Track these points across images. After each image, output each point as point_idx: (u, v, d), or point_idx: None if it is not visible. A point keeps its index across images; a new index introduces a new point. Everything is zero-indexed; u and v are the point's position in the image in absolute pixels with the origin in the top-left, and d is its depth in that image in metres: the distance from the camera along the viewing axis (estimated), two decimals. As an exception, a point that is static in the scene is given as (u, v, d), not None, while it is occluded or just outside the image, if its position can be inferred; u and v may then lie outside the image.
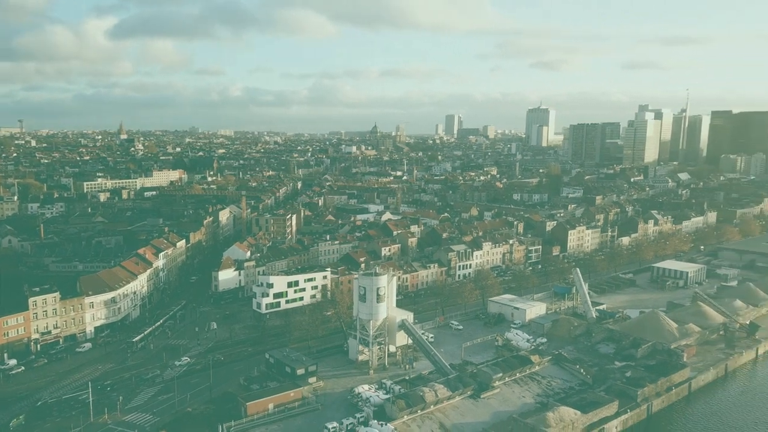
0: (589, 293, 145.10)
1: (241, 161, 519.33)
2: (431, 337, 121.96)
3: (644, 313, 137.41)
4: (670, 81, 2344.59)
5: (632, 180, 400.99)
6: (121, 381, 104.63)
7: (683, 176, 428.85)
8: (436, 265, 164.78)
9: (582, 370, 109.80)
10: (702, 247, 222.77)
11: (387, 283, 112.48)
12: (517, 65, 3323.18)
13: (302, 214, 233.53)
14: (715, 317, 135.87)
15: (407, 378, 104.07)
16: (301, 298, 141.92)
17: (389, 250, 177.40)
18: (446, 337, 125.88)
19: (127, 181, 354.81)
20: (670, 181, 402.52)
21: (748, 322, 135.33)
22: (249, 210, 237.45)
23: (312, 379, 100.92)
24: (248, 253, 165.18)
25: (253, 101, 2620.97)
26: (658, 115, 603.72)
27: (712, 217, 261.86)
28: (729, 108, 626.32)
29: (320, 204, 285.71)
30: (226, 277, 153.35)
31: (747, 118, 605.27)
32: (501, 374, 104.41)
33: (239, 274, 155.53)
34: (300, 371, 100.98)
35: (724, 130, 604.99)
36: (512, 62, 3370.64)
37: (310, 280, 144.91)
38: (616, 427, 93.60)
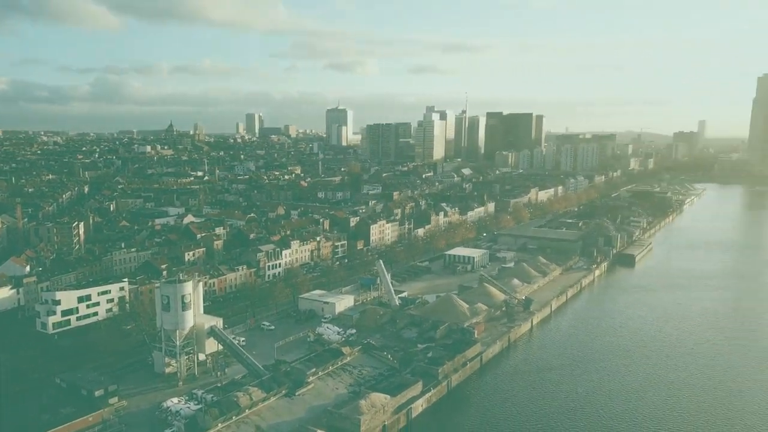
0: (392, 283, 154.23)
1: (14, 164, 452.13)
2: (243, 341, 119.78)
3: (440, 297, 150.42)
4: (452, 84, 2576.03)
5: (424, 176, 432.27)
6: None
7: (466, 171, 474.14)
8: (245, 266, 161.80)
9: (389, 356, 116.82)
10: (484, 234, 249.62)
11: (192, 290, 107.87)
12: (314, 66, 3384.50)
13: (91, 220, 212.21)
14: (498, 296, 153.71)
15: (220, 385, 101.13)
16: (96, 314, 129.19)
17: (193, 255, 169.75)
18: (259, 339, 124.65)
19: None
20: (455, 176, 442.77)
21: (524, 298, 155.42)
22: (26, 219, 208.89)
23: (113, 400, 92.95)
24: (27, 268, 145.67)
25: (24, 97, 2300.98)
26: (443, 116, 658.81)
27: (491, 207, 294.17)
28: (501, 110, 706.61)
29: (112, 209, 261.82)
30: (0, 297, 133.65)
31: (515, 119, 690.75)
32: (314, 369, 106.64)
33: (17, 293, 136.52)
34: (98, 392, 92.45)
35: (498, 129, 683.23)
36: (308, 63, 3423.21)
37: (104, 293, 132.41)
38: (421, 405, 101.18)
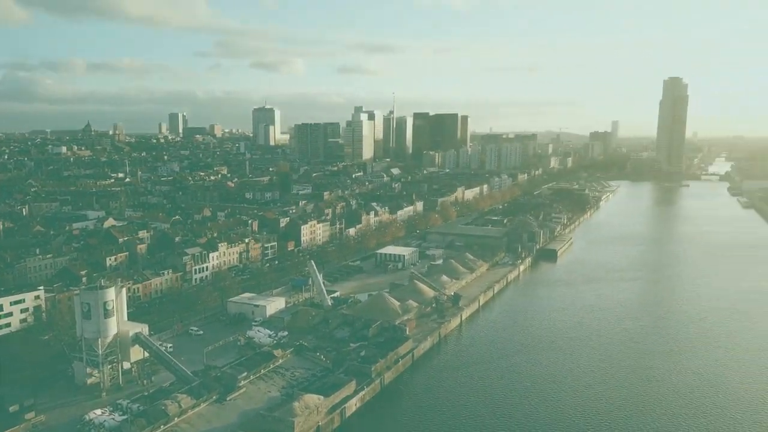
0: (324, 283, 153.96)
1: None
2: (170, 347, 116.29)
3: (372, 296, 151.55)
4: (378, 85, 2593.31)
5: (354, 176, 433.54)
6: None
7: (395, 171, 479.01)
8: (171, 271, 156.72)
9: (322, 357, 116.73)
10: (417, 231, 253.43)
11: (115, 296, 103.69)
12: (238, 65, 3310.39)
13: (1, 225, 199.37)
14: (428, 292, 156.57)
15: (146, 394, 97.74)
16: (8, 325, 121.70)
17: (115, 260, 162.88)
18: (187, 345, 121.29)
19: None
20: (385, 175, 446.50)
21: (453, 294, 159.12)
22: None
23: (30, 415, 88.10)
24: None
25: None
26: (371, 116, 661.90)
27: (420, 206, 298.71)
28: (427, 110, 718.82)
29: (25, 213, 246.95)
30: None
31: (441, 119, 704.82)
32: (246, 373, 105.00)
33: None
34: (12, 408, 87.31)
35: (424, 129, 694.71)
36: (233, 61, 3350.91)
37: (17, 302, 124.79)
38: (355, 404, 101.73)
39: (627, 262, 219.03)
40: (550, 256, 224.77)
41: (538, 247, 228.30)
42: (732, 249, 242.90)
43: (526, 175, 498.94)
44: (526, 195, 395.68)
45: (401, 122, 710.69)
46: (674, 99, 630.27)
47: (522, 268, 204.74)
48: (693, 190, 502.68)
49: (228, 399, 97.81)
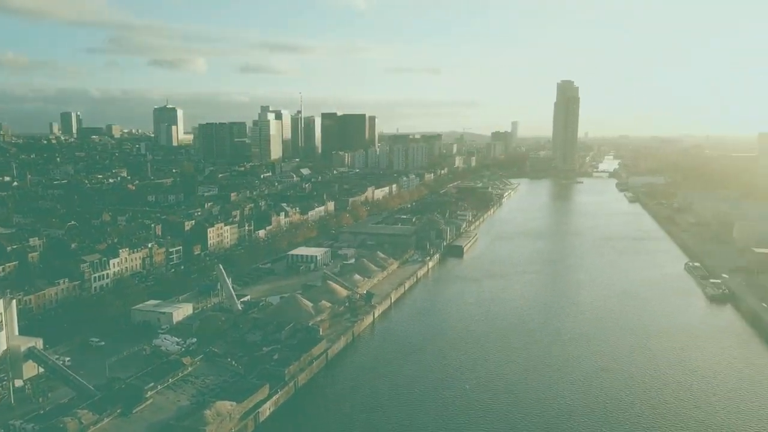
0: (233, 287, 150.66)
1: None
2: (68, 361, 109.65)
3: (284, 298, 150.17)
4: (284, 84, 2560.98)
5: (262, 176, 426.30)
6: None
7: (305, 171, 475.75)
8: (67, 279, 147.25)
9: (233, 362, 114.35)
10: (334, 230, 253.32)
11: (4, 309, 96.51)
12: (135, 62, 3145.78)
13: None
14: (341, 292, 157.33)
15: (42, 412, 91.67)
16: None
17: (2, 270, 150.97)
18: (87, 357, 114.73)
19: None
20: (294, 176, 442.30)
21: (365, 292, 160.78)
22: None
23: None
24: None
25: None
26: (279, 116, 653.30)
27: (331, 206, 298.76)
28: (335, 110, 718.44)
29: None
30: None
31: (349, 120, 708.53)
32: (153, 384, 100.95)
33: None
34: None
35: (333, 129, 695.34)
36: (129, 59, 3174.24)
37: None
38: (269, 409, 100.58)
39: (528, 256, 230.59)
40: (457, 252, 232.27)
41: (445, 243, 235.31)
42: (621, 240, 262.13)
43: (432, 174, 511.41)
44: (433, 194, 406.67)
45: (309, 122, 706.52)
46: (567, 101, 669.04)
47: (431, 264, 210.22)
48: (586, 186, 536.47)
49: (134, 411, 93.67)
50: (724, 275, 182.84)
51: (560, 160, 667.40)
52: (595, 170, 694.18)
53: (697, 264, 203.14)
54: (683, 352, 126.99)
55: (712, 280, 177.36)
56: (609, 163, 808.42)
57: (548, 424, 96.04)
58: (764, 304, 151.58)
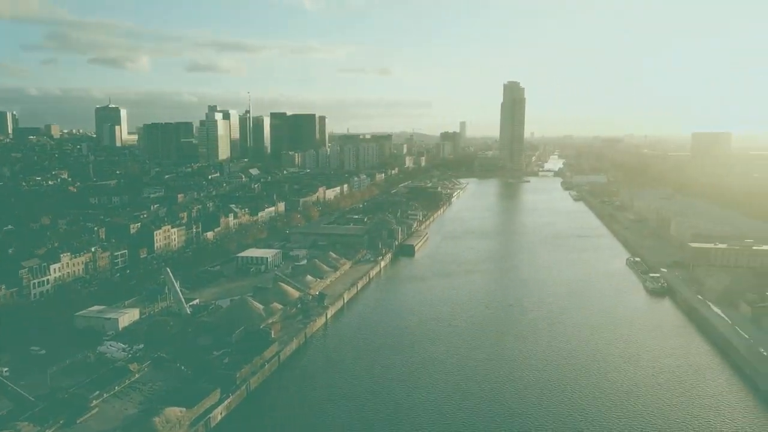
0: (181, 290, 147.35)
1: None
2: (6, 371, 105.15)
3: (234, 301, 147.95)
4: (232, 84, 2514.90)
5: (210, 177, 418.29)
6: None
7: (254, 171, 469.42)
8: (4, 286, 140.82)
9: (183, 367, 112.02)
10: (288, 231, 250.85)
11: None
12: (76, 60, 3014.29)
13: None
14: (293, 294, 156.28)
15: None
16: None
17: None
18: (27, 367, 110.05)
19: None
20: (243, 176, 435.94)
21: (317, 293, 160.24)
22: None
23: None
24: None
25: None
26: (226, 116, 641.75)
27: (281, 206, 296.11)
28: (284, 110, 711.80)
29: None
30: None
31: (299, 120, 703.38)
32: (98, 392, 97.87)
33: None
34: None
35: (282, 129, 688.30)
36: (69, 56, 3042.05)
37: None
38: (221, 413, 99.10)
39: (477, 254, 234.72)
40: (409, 251, 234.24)
41: (397, 243, 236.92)
42: (566, 238, 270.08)
43: (383, 174, 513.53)
44: (384, 194, 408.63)
45: (258, 122, 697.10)
46: (513, 101, 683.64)
47: (383, 264, 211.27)
48: (532, 185, 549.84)
49: (78, 422, 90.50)
50: (662, 269, 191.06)
51: (507, 159, 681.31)
52: (541, 169, 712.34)
53: (637, 259, 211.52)
54: (626, 345, 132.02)
55: (651, 275, 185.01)
56: (554, 163, 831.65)
57: (501, 418, 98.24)
58: (699, 297, 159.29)
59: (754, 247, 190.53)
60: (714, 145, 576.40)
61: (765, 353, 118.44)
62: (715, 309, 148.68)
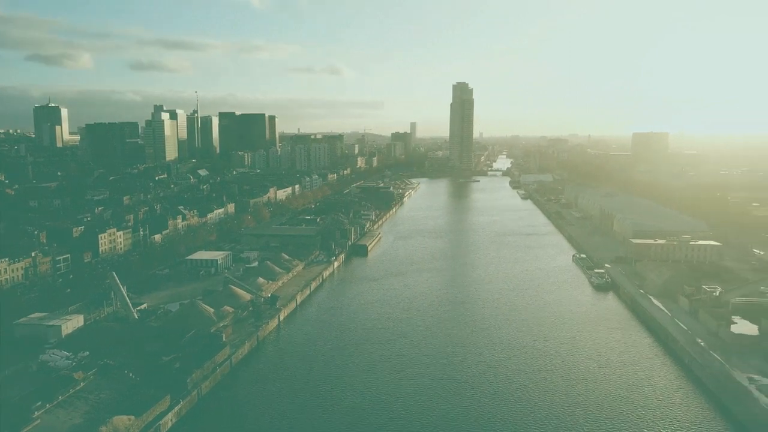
0: (128, 295, 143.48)
1: None
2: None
3: (184, 305, 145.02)
4: (179, 83, 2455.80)
5: (157, 178, 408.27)
6: None
7: (202, 172, 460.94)
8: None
9: (131, 374, 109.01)
10: (240, 231, 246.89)
11: None
12: (11, 57, 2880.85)
13: None
14: (244, 296, 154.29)
15: None
16: None
17: None
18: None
19: None
20: (191, 177, 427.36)
21: (269, 295, 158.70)
22: None
23: None
24: None
25: None
26: (173, 116, 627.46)
27: (231, 207, 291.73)
28: (233, 110, 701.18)
29: None
30: None
31: (248, 119, 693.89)
32: (40, 403, 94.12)
33: None
34: None
35: (231, 129, 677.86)
36: (4, 53, 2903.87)
37: None
38: (171, 420, 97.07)
39: (429, 253, 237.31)
40: (362, 251, 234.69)
41: (350, 243, 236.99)
42: (515, 236, 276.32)
43: (335, 174, 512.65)
44: (336, 194, 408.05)
45: (206, 122, 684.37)
46: (462, 102, 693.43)
47: (336, 264, 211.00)
48: (482, 184, 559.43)
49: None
50: (607, 265, 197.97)
51: (457, 159, 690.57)
52: (489, 169, 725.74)
53: (583, 255, 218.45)
54: (573, 339, 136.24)
55: (596, 270, 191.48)
56: (502, 162, 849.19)
57: (455, 413, 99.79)
58: (641, 291, 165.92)
59: (691, 243, 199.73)
60: (652, 144, 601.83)
61: (702, 343, 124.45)
62: (656, 302, 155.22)
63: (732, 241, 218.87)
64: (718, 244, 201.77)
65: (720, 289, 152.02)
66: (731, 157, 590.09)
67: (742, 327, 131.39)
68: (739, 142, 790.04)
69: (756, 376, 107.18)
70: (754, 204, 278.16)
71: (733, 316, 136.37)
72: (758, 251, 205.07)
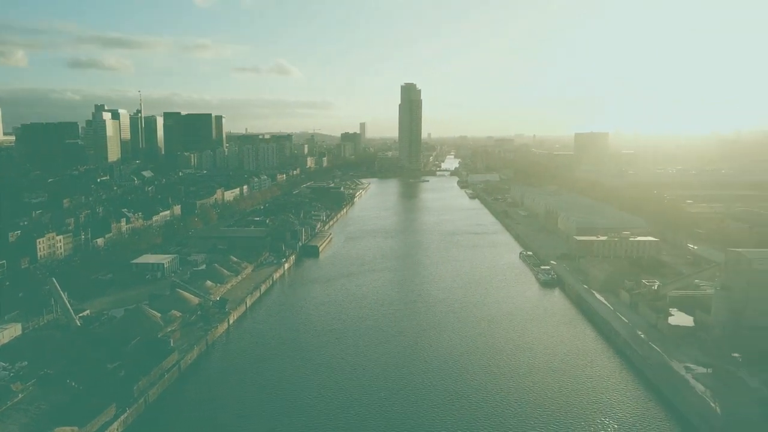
0: (69, 301, 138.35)
1: None
2: None
3: (129, 310, 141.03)
4: (120, 82, 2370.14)
5: (99, 180, 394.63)
6: None
7: (147, 174, 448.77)
8: None
9: (73, 383, 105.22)
10: (188, 233, 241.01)
11: None
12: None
13: None
14: (192, 300, 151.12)
15: None
16: None
17: None
18: None
19: None
20: (135, 179, 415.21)
21: (218, 298, 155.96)
22: None
23: None
24: None
25: None
26: (116, 116, 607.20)
27: (177, 209, 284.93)
28: (178, 110, 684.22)
29: None
30: None
31: (194, 119, 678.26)
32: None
33: None
34: None
35: (177, 130, 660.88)
36: None
37: None
38: (117, 430, 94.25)
39: (380, 253, 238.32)
40: (313, 252, 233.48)
41: (300, 244, 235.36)
42: (464, 235, 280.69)
43: (285, 175, 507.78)
44: (286, 194, 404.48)
45: (150, 122, 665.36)
46: (411, 103, 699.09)
47: (287, 266, 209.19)
48: (431, 184, 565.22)
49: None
50: (552, 262, 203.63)
51: (406, 160, 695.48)
52: (438, 169, 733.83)
53: (529, 253, 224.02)
54: (522, 334, 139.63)
55: (542, 267, 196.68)
56: (450, 162, 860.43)
57: (407, 412, 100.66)
58: (585, 286, 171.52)
59: (631, 239, 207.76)
60: (593, 144, 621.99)
61: (642, 336, 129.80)
62: (599, 297, 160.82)
63: (668, 237, 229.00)
64: (656, 239, 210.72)
65: (658, 282, 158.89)
66: (664, 156, 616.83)
67: (679, 318, 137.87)
68: (672, 141, 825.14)
69: (692, 365, 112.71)
70: (688, 201, 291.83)
71: (670, 309, 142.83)
72: (692, 246, 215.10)
